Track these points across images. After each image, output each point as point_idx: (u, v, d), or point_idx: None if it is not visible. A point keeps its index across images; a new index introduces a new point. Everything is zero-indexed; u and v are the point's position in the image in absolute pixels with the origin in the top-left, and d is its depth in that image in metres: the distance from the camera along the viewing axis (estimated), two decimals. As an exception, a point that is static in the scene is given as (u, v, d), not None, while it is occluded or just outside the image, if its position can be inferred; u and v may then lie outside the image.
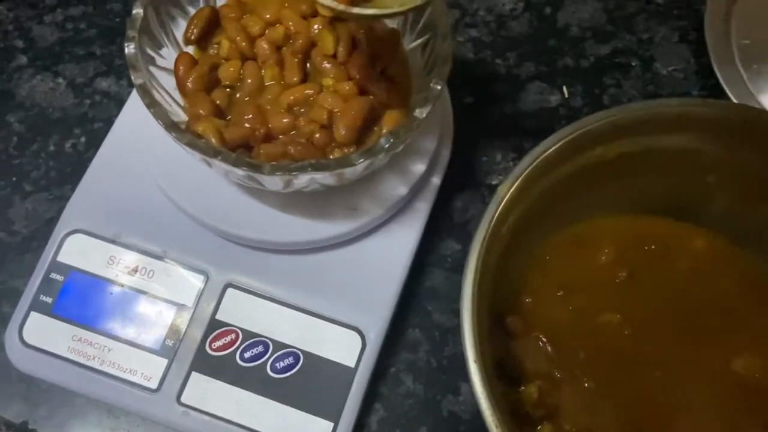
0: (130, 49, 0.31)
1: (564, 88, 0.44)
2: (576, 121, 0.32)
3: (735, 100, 0.43)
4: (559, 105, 0.44)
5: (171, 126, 0.30)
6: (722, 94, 0.43)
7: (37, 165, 0.42)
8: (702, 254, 0.37)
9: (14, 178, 0.41)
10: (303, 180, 0.31)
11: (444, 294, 0.39)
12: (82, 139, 0.43)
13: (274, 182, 0.31)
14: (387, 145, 0.30)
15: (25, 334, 0.35)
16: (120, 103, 0.41)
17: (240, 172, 0.30)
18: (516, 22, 0.46)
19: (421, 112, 0.31)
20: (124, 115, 0.40)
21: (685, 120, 0.33)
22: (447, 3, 0.46)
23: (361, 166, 0.31)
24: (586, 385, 0.35)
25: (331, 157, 0.33)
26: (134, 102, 0.40)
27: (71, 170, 0.42)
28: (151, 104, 0.30)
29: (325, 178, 0.31)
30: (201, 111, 0.33)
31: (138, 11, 0.31)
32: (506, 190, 0.31)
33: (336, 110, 0.33)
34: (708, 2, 0.45)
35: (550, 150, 0.32)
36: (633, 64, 0.45)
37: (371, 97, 0.34)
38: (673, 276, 0.37)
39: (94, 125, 0.43)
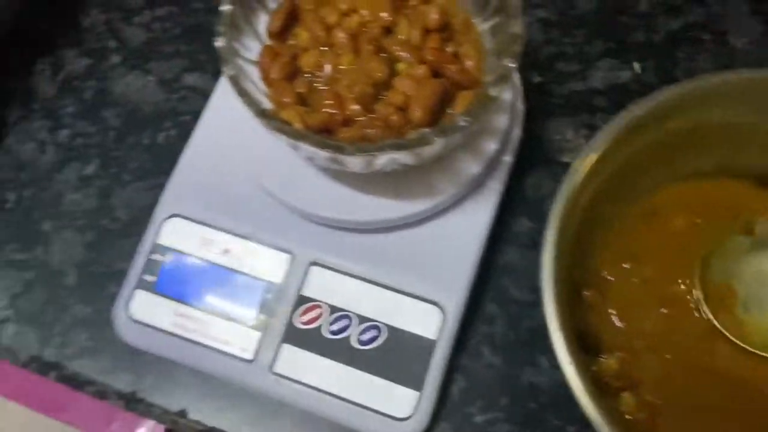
0: (221, 42, 0.33)
1: (635, 64, 0.44)
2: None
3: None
4: (630, 81, 0.44)
5: (261, 114, 0.32)
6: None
7: (133, 156, 0.45)
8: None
9: (114, 169, 0.45)
10: (383, 159, 0.32)
11: (519, 270, 0.40)
12: (173, 132, 0.46)
13: (356, 163, 0.32)
14: (463, 124, 0.31)
15: (131, 311, 0.39)
16: (205, 96, 0.43)
17: (324, 153, 0.32)
18: (584, 0, 0.46)
19: (495, 91, 0.32)
20: (210, 107, 0.42)
21: (752, 91, 0.33)
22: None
23: (438, 144, 0.32)
24: (667, 357, 0.35)
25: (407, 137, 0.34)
26: (219, 95, 0.42)
27: (164, 160, 0.44)
28: (242, 93, 0.32)
29: (404, 157, 0.32)
30: (285, 99, 0.35)
31: (227, 7, 0.34)
32: (582, 164, 0.32)
33: (411, 93, 0.34)
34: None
35: (628, 121, 0.32)
36: (705, 38, 0.45)
37: (444, 79, 0.35)
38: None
39: (183, 118, 0.46)
